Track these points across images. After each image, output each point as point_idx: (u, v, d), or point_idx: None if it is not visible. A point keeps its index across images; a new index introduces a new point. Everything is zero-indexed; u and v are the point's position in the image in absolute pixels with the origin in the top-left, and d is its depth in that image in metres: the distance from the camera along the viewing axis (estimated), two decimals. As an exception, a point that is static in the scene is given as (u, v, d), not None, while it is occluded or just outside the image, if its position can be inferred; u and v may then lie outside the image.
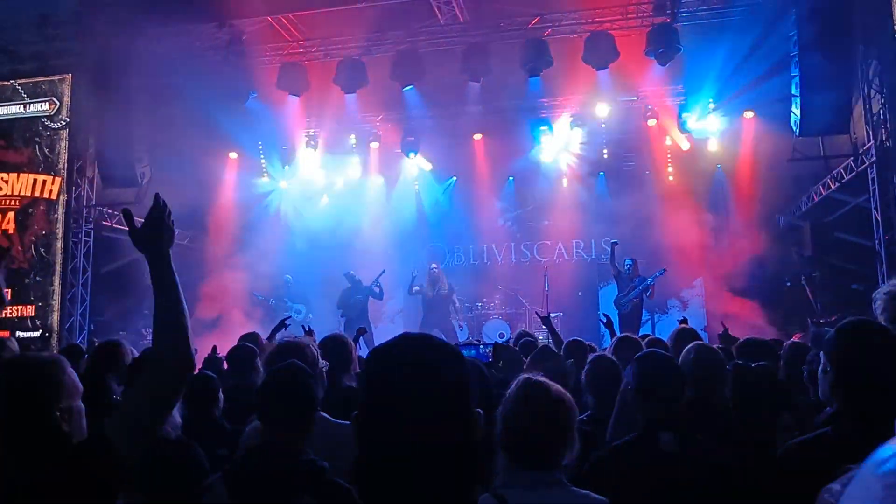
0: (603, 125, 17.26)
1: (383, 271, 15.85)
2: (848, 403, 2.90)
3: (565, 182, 18.78)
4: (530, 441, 2.88)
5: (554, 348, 6.57)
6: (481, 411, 1.63)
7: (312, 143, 18.46)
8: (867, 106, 12.73)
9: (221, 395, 4.98)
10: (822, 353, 3.04)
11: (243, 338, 6.97)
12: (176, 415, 3.85)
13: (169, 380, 2.60)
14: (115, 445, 2.40)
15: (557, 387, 3.04)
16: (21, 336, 14.64)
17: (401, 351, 1.66)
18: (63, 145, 16.10)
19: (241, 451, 3.61)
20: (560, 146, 18.08)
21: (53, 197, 15.96)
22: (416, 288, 16.51)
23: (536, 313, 9.53)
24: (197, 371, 4.53)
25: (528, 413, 2.90)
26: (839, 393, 2.93)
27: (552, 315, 8.77)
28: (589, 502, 2.87)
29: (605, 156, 17.99)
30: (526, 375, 3.09)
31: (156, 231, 2.61)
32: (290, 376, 3.41)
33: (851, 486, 0.93)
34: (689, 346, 4.65)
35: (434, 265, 16.89)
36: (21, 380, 2.49)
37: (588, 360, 5.09)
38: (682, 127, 16.54)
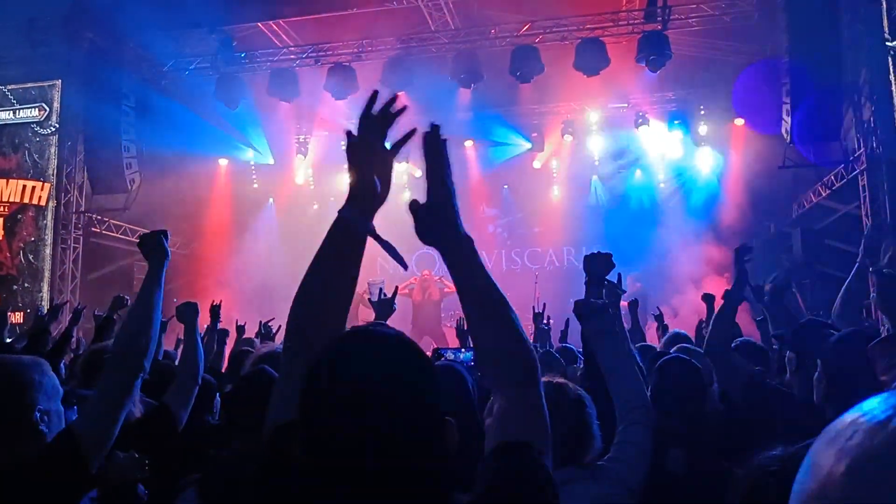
0: (594, 132, 17.29)
1: (382, 281, 15.80)
2: (840, 412, 2.86)
3: (556, 189, 18.81)
4: (556, 441, 2.87)
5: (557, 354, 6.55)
6: (452, 420, 1.47)
7: (303, 149, 18.43)
8: (857, 113, 12.74)
9: (218, 398, 4.98)
10: (818, 360, 3.02)
11: (242, 342, 7.05)
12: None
13: (125, 370, 2.84)
14: (83, 442, 2.51)
15: (576, 387, 3.03)
16: (9, 342, 14.51)
17: (341, 353, 1.48)
18: (52, 151, 16.03)
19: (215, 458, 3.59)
20: (551, 153, 18.10)
21: (42, 203, 15.87)
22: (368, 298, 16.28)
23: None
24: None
25: (551, 414, 2.89)
26: (832, 401, 2.91)
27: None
28: (615, 497, 2.85)
29: (597, 162, 18.02)
30: (544, 379, 3.07)
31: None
32: (257, 384, 3.35)
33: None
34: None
35: (426, 272, 16.85)
36: (2, 381, 2.53)
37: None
38: (673, 134, 16.58)
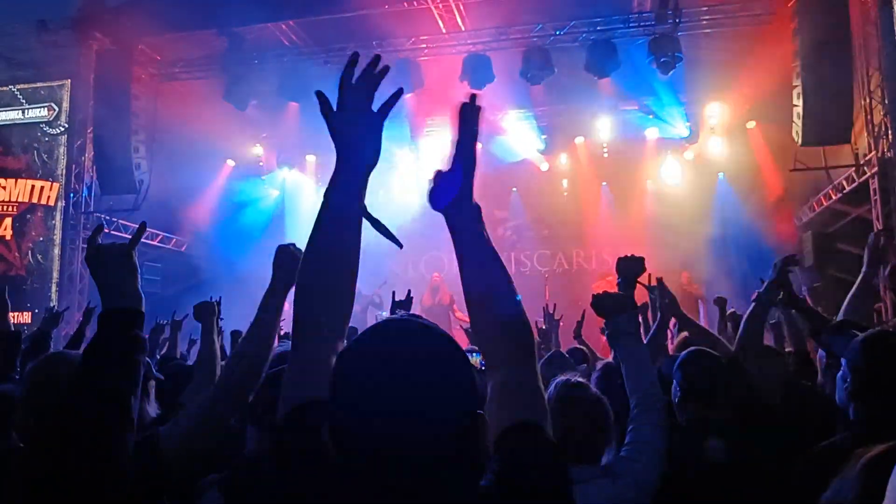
0: (605, 134, 17.26)
1: (385, 281, 15.77)
2: (865, 411, 2.86)
3: (565, 191, 18.77)
4: (575, 440, 2.89)
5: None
6: (484, 414, 1.46)
7: (312, 150, 18.44)
8: (869, 117, 12.69)
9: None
10: (843, 360, 3.01)
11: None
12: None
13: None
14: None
15: (593, 388, 3.04)
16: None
17: (379, 341, 1.48)
18: (61, 151, 16.06)
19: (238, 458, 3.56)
20: (561, 155, 18.09)
21: (51, 203, 15.90)
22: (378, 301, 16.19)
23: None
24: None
25: (572, 413, 2.91)
26: (857, 401, 2.89)
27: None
28: (630, 497, 2.85)
29: (607, 165, 17.97)
30: (563, 378, 3.09)
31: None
32: (279, 385, 3.32)
33: None
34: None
35: (436, 274, 16.83)
36: None
37: (597, 368, 5.02)
38: (685, 136, 16.55)
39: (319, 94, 1.88)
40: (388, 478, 1.36)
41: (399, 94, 1.95)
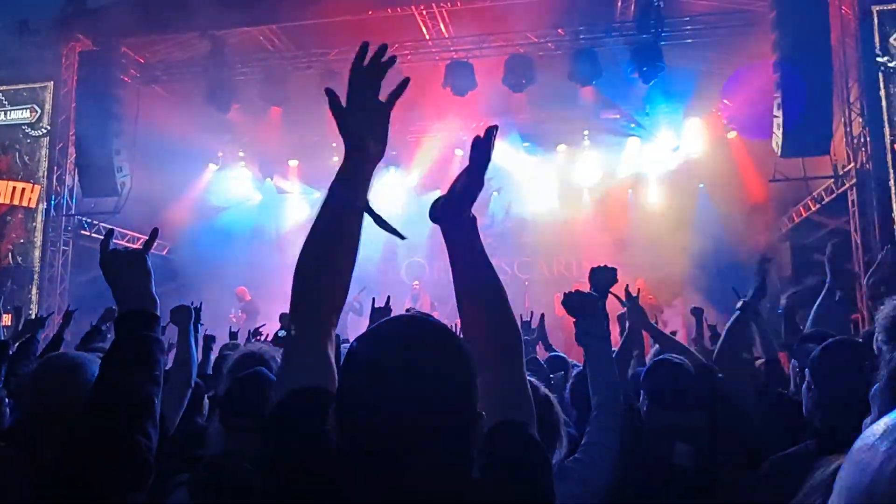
0: (587, 142, 17.33)
1: (364, 287, 15.74)
2: (828, 420, 2.89)
3: (548, 199, 18.79)
4: None
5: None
6: (483, 415, 1.50)
7: (293, 154, 18.42)
8: (848, 128, 12.79)
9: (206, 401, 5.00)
10: (807, 370, 3.05)
11: (224, 347, 7.06)
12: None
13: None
14: None
15: (544, 388, 3.05)
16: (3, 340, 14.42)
17: (387, 337, 1.53)
18: (43, 153, 15.99)
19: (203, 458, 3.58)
20: (544, 162, 18.13)
21: (32, 205, 15.82)
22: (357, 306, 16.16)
23: None
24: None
25: None
26: (821, 409, 2.93)
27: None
28: (577, 496, 2.88)
29: (589, 173, 18.02)
30: None
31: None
32: (255, 384, 3.34)
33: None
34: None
35: (416, 283, 16.85)
36: None
37: (573, 375, 5.05)
38: (666, 145, 16.63)
39: (329, 91, 1.91)
40: (390, 466, 1.41)
41: (405, 83, 1.98)
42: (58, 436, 2.21)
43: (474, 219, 1.99)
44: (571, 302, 3.40)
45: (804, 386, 3.11)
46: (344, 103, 1.92)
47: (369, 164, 1.94)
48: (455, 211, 1.96)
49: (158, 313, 2.31)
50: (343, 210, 1.90)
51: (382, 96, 1.95)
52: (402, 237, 1.99)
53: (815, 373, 3.00)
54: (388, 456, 1.41)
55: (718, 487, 3.30)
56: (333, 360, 1.78)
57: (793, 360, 4.94)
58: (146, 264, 2.37)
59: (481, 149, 1.97)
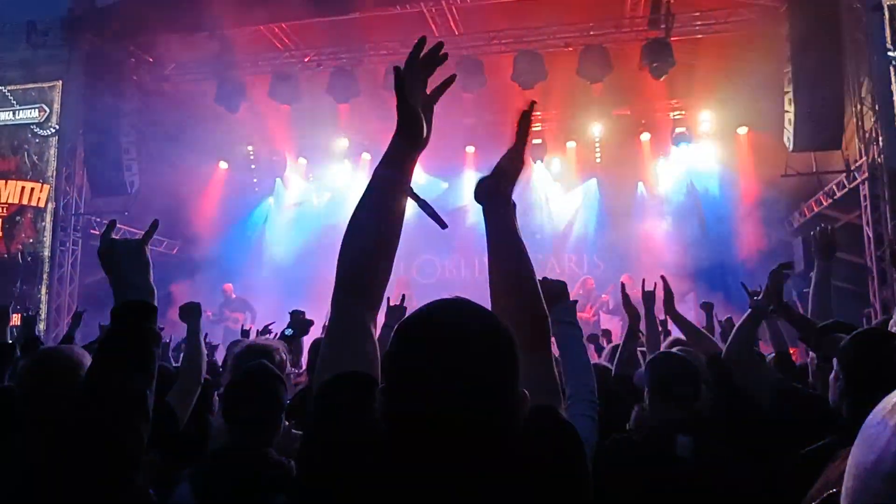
0: (596, 138, 17.28)
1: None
2: (856, 410, 2.85)
3: (556, 195, 18.74)
4: None
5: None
6: (527, 394, 1.51)
7: (303, 153, 18.41)
8: (859, 123, 12.75)
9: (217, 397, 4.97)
10: (834, 359, 3.03)
11: (232, 344, 7.08)
12: None
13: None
14: None
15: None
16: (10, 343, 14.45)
17: (431, 319, 1.53)
18: (52, 153, 15.98)
19: (206, 452, 3.58)
20: (553, 158, 18.08)
21: (41, 205, 15.83)
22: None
23: None
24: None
25: None
26: (848, 400, 2.90)
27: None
28: None
29: (598, 169, 17.97)
30: None
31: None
32: (260, 378, 3.33)
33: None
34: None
35: (402, 276, 16.80)
36: None
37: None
38: (676, 141, 16.56)
39: (396, 69, 1.94)
40: (439, 454, 1.41)
41: (452, 79, 2.06)
42: (49, 430, 2.20)
43: (514, 205, 2.05)
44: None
45: (831, 376, 3.08)
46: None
47: (416, 150, 1.99)
48: (498, 190, 2.02)
49: (156, 304, 2.28)
50: (392, 188, 1.94)
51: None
52: (444, 225, 2.04)
53: (843, 362, 2.97)
54: (436, 446, 1.41)
55: (724, 480, 3.28)
56: (377, 345, 1.78)
57: (811, 354, 4.90)
58: (145, 255, 2.35)
59: (525, 126, 2.06)
